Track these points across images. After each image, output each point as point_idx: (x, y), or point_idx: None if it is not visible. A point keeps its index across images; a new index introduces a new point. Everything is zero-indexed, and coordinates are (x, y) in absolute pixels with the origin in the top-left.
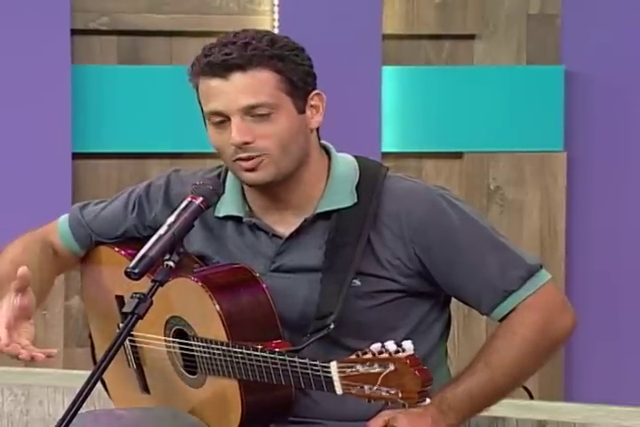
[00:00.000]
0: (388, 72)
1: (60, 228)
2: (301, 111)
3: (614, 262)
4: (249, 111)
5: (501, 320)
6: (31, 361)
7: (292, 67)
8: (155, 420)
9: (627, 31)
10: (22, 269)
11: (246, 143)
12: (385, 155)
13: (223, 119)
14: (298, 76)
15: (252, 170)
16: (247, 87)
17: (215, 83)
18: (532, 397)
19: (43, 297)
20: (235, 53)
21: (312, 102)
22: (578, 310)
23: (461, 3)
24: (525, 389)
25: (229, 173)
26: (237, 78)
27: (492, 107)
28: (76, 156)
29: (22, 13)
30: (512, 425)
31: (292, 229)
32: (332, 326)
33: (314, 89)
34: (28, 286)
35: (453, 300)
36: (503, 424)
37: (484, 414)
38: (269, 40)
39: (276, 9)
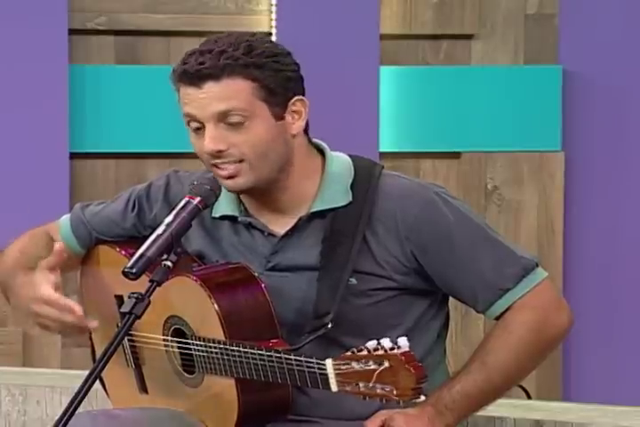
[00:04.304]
0: (386, 72)
1: (61, 227)
2: (279, 118)
3: (612, 262)
4: (222, 118)
5: (497, 318)
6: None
7: (270, 74)
8: (152, 420)
9: (624, 31)
10: (59, 245)
11: (220, 151)
12: (383, 155)
13: (199, 126)
14: (276, 83)
15: (230, 177)
16: (219, 95)
17: (190, 90)
18: (529, 396)
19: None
20: (208, 63)
21: (293, 108)
22: (575, 310)
23: (459, 3)
24: (523, 388)
25: None
26: (210, 87)
27: (489, 107)
28: (73, 155)
29: (20, 13)
30: (510, 425)
31: (288, 227)
32: (329, 326)
33: (295, 94)
34: (61, 263)
35: (451, 300)
36: (501, 424)
37: (482, 413)
38: (247, 47)
39: (273, 9)
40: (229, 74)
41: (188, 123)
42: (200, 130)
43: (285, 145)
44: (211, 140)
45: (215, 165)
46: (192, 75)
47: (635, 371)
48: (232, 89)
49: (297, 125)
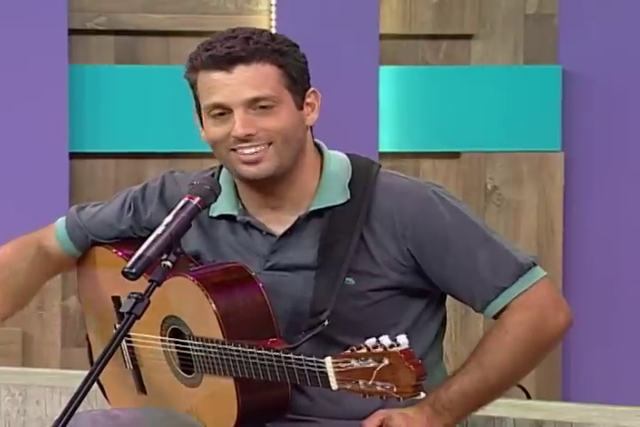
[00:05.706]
0: (386, 72)
1: (57, 230)
2: (300, 107)
3: (612, 262)
4: (252, 104)
5: (496, 317)
6: None
7: (292, 62)
8: (151, 420)
9: (624, 31)
10: None
11: (249, 135)
12: (382, 155)
13: (224, 112)
14: (297, 72)
15: (253, 163)
16: (250, 80)
17: (218, 76)
18: (529, 396)
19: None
20: (238, 47)
21: (308, 100)
22: (575, 310)
23: (459, 2)
24: (523, 388)
25: (223, 173)
26: (240, 71)
27: (489, 107)
28: (73, 155)
29: (20, 13)
30: (509, 425)
31: (286, 227)
32: (326, 323)
33: (310, 86)
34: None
35: (450, 300)
36: (500, 424)
37: (481, 413)
38: (269, 35)
39: (273, 9)
40: (260, 58)
41: (209, 111)
42: (223, 115)
43: (303, 135)
44: (241, 123)
45: (237, 150)
46: (221, 58)
47: (634, 371)
48: (262, 74)
49: (311, 117)
